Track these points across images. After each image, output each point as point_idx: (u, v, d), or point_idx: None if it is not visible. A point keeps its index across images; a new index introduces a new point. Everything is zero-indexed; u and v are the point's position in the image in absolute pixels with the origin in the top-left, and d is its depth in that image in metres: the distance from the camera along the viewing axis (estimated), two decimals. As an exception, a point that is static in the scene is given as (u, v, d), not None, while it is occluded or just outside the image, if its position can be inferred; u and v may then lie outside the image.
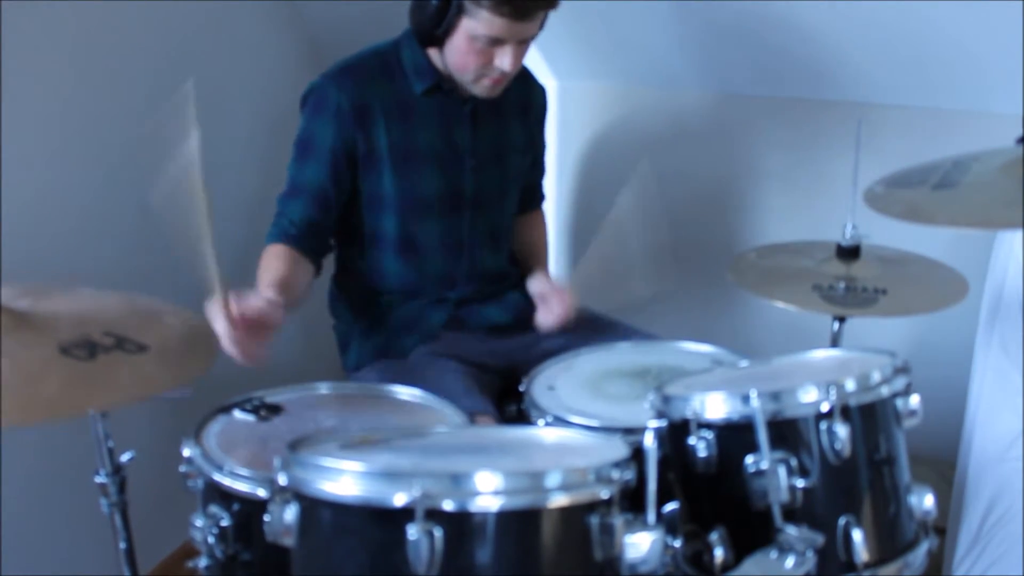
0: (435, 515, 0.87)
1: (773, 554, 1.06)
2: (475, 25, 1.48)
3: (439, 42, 1.54)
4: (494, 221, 1.75)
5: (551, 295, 1.65)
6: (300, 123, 1.64)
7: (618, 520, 0.93)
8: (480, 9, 1.45)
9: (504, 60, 1.52)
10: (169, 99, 1.84)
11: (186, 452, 1.24)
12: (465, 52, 1.52)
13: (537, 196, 1.92)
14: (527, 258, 1.85)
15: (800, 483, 1.09)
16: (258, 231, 2.15)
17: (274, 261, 1.55)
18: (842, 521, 1.11)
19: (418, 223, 1.66)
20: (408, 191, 1.63)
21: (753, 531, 1.10)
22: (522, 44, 1.54)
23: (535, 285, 1.70)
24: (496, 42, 1.50)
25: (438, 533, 0.87)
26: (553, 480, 0.91)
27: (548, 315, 1.64)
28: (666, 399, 1.20)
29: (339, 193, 1.62)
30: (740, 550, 1.11)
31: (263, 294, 1.40)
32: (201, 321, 1.21)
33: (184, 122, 1.17)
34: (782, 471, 1.08)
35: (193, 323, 1.19)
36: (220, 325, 1.23)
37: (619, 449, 1.02)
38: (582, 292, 1.64)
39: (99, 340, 1.04)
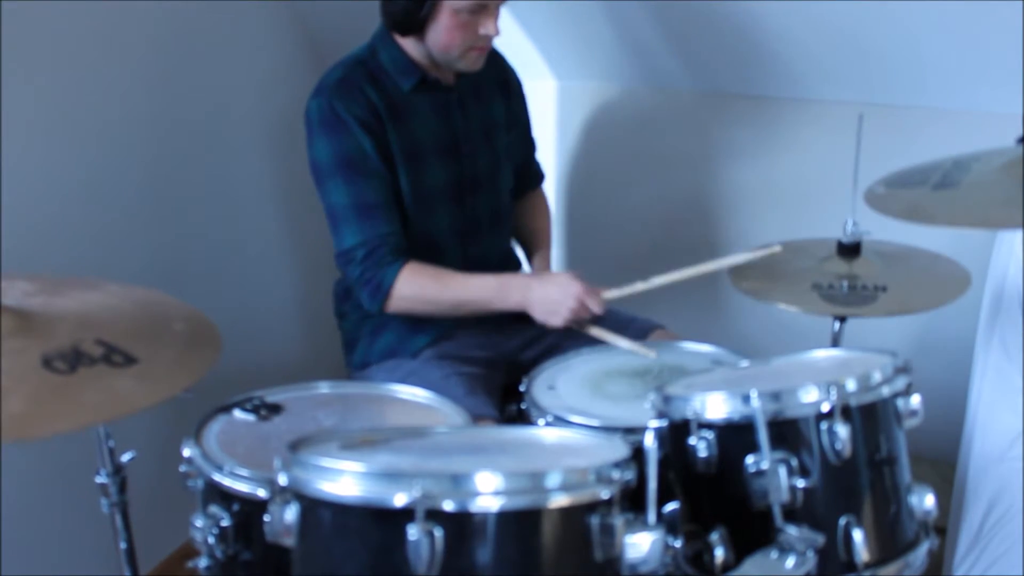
0: (435, 515, 0.87)
1: (773, 554, 1.06)
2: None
3: (419, 28, 1.55)
4: (493, 202, 1.76)
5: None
6: (320, 150, 1.59)
7: (618, 520, 0.93)
8: None
9: (489, 26, 1.56)
10: (168, 96, 1.85)
11: (186, 452, 1.25)
12: (451, 28, 1.54)
13: (533, 172, 1.92)
14: (531, 242, 1.85)
15: (800, 483, 1.09)
16: (255, 229, 2.16)
17: (433, 270, 1.59)
18: (843, 521, 1.11)
19: (428, 217, 1.66)
20: (419, 187, 1.64)
21: (753, 531, 1.10)
22: (497, 9, 1.57)
23: None
24: (479, 10, 1.54)
25: (438, 533, 0.87)
26: (553, 480, 0.91)
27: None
28: (667, 399, 1.20)
29: (399, 189, 1.62)
30: (740, 550, 1.11)
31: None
32: (207, 325, 1.20)
33: None
34: (782, 471, 1.08)
35: (199, 329, 1.18)
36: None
37: (619, 449, 1.02)
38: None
39: (88, 350, 1.02)
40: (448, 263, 1.66)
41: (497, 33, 1.57)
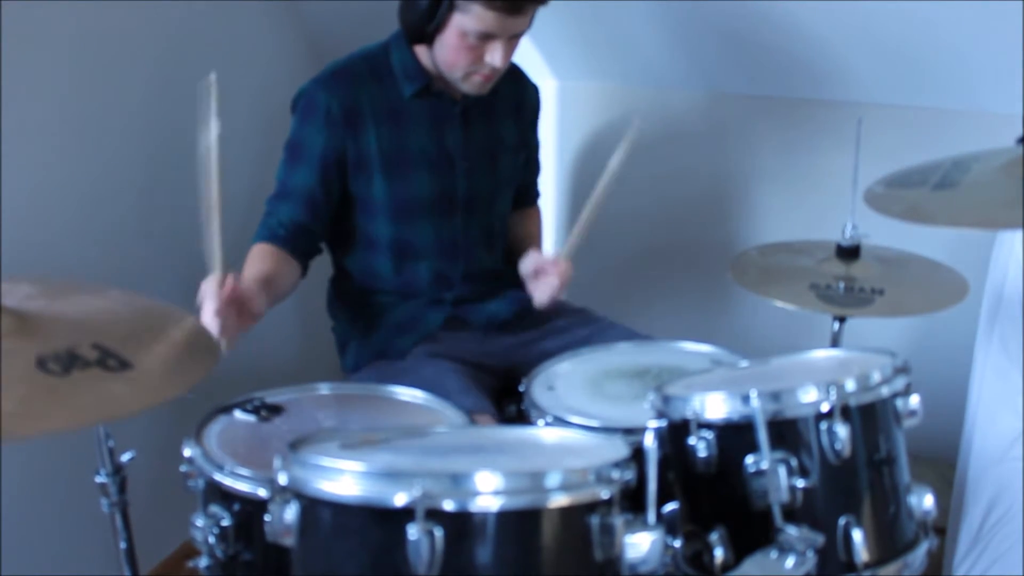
0: (435, 515, 0.87)
1: (773, 554, 1.06)
2: (466, 20, 1.48)
3: (429, 39, 1.54)
4: (487, 222, 1.75)
5: (545, 265, 1.62)
6: (291, 126, 1.65)
7: (618, 520, 0.93)
8: (472, 4, 1.46)
9: (494, 56, 1.52)
10: (168, 97, 1.85)
11: (187, 452, 1.25)
12: (455, 48, 1.52)
13: (532, 194, 1.92)
14: (520, 247, 1.82)
15: (800, 483, 1.09)
16: (254, 228, 2.16)
17: (260, 258, 1.56)
18: (842, 521, 1.11)
19: (411, 226, 1.66)
20: (399, 195, 1.63)
21: (753, 531, 1.10)
22: (512, 40, 1.54)
23: (527, 262, 1.66)
24: (487, 37, 1.50)
25: (438, 533, 0.87)
26: (553, 480, 0.91)
27: (545, 287, 1.60)
28: (666, 399, 1.20)
29: (328, 197, 1.62)
30: (740, 550, 1.11)
31: (246, 284, 1.39)
32: (208, 334, 1.20)
33: (206, 114, 1.33)
34: (782, 471, 1.08)
35: (199, 338, 1.16)
36: (209, 298, 1.27)
37: (619, 449, 1.02)
38: (573, 257, 1.61)
39: (83, 353, 1.01)
40: (433, 277, 1.67)
41: (504, 65, 1.54)
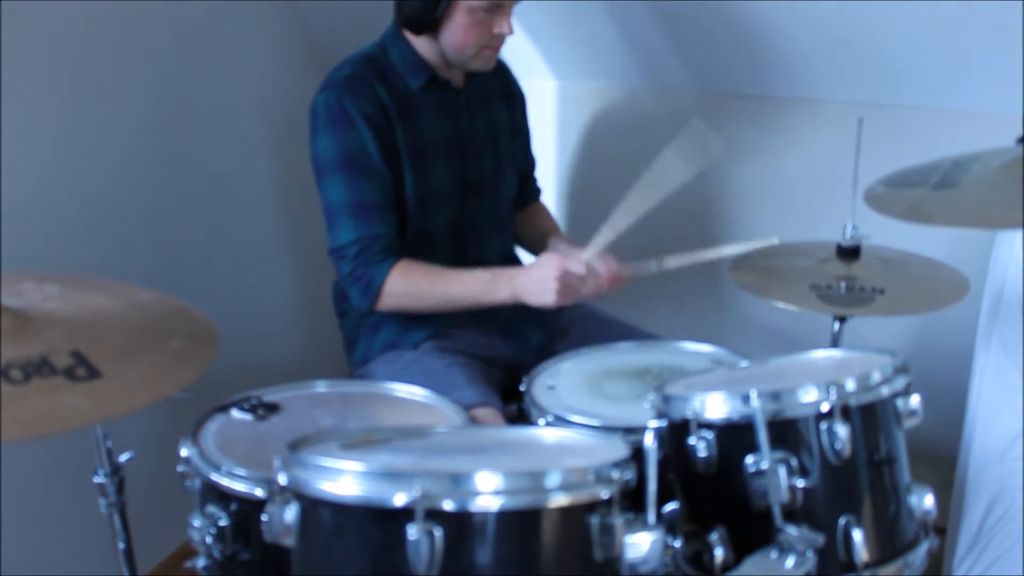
0: (435, 515, 0.87)
1: (773, 554, 1.06)
2: None
3: (434, 27, 1.56)
4: (495, 206, 1.77)
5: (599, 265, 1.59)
6: (323, 146, 1.58)
7: (618, 520, 0.93)
8: None
9: (503, 25, 1.57)
10: (168, 96, 1.85)
11: (183, 452, 1.24)
12: (466, 27, 1.55)
13: (533, 187, 1.93)
14: (544, 241, 1.81)
15: (800, 483, 1.09)
16: (256, 228, 2.16)
17: (424, 267, 1.59)
18: (842, 521, 1.11)
19: (429, 216, 1.67)
20: (423, 186, 1.64)
21: (753, 531, 1.10)
22: (511, 6, 1.59)
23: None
24: (494, 9, 1.55)
25: (438, 533, 0.87)
26: (553, 480, 0.91)
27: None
28: (666, 399, 1.20)
29: (399, 189, 1.62)
30: (740, 550, 1.11)
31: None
32: (207, 342, 1.17)
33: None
34: (782, 471, 1.08)
35: (194, 348, 1.12)
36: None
37: (619, 449, 1.02)
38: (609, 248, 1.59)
39: (55, 360, 0.99)
40: (445, 263, 1.66)
41: (511, 32, 1.58)
